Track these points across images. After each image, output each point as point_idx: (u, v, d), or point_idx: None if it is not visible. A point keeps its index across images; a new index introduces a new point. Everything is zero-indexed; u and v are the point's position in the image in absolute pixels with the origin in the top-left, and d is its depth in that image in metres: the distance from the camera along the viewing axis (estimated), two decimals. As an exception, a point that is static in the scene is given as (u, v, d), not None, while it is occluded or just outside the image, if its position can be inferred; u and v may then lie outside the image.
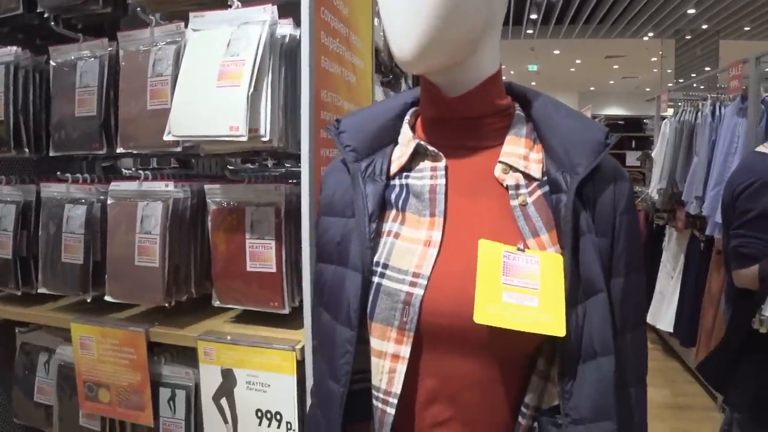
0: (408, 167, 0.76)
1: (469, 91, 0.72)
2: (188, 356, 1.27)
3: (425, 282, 0.67)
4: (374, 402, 0.71)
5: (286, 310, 1.21)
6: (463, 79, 0.72)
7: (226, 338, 1.17)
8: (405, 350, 0.67)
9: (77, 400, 1.35)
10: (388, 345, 0.68)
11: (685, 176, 3.98)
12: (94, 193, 1.34)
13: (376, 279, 0.70)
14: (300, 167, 1.08)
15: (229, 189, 1.22)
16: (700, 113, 4.32)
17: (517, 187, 0.70)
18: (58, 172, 1.39)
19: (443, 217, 0.70)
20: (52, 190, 1.40)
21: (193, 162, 1.79)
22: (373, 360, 0.70)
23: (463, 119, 0.74)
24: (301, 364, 1.12)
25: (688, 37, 9.52)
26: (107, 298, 1.29)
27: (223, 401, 1.19)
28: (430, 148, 0.73)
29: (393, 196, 0.74)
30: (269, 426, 1.15)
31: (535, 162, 0.72)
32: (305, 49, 1.05)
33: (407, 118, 0.80)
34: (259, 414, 1.16)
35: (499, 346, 0.65)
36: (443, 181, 0.72)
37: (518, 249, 0.66)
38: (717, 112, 4.06)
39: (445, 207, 0.71)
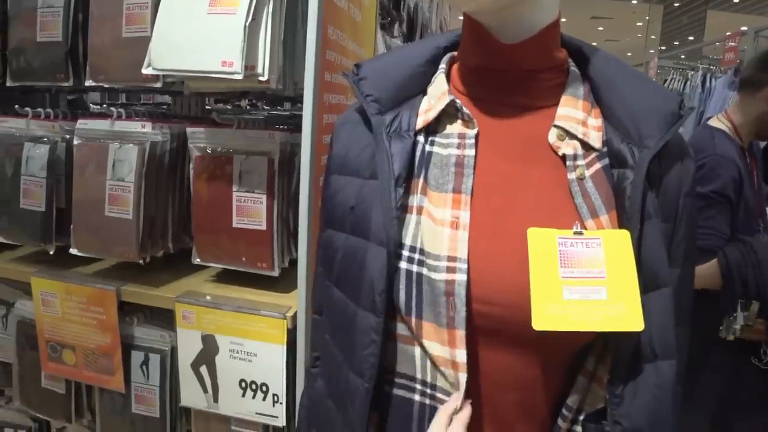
0: (434, 128, 0.64)
1: (528, 38, 0.60)
2: (163, 318, 1.15)
3: (465, 266, 0.56)
4: (410, 394, 0.62)
5: (276, 272, 1.09)
6: (520, 25, 0.59)
7: (207, 301, 1.05)
8: (460, 355, 0.56)
9: (39, 359, 1.23)
10: (442, 349, 0.57)
11: (670, 146, 3.97)
12: (59, 131, 1.18)
13: (405, 265, 0.59)
14: (295, 111, 0.95)
15: (215, 134, 1.07)
16: (689, 83, 4.27)
17: (575, 157, 0.60)
18: (17, 106, 1.21)
19: (470, 194, 0.59)
20: (9, 126, 1.22)
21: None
22: (430, 364, 0.60)
23: (516, 71, 0.62)
24: (291, 332, 1.02)
25: (676, 4, 9.39)
26: (72, 250, 1.15)
27: (203, 369, 1.08)
28: (465, 110, 0.61)
29: (416, 161, 0.63)
30: (254, 398, 1.05)
31: (594, 129, 0.61)
32: (314, -26, 0.90)
33: (442, 65, 0.67)
34: (243, 384, 1.06)
35: (548, 343, 0.56)
36: (472, 152, 0.61)
37: (575, 233, 0.56)
38: (707, 83, 4.03)
39: (473, 183, 0.59)
